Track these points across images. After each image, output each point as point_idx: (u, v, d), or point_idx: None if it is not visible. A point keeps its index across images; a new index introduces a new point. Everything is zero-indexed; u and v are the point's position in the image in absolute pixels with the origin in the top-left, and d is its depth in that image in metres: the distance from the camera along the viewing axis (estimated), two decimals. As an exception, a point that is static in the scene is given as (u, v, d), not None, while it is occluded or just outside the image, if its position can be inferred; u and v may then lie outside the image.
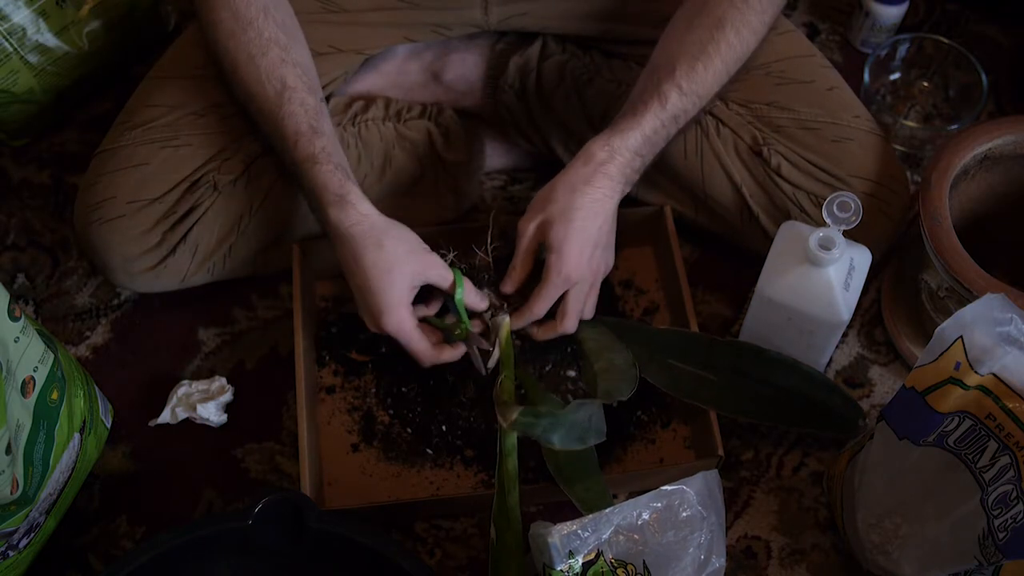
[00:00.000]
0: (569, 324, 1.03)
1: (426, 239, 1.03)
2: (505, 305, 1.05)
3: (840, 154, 1.09)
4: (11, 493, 0.87)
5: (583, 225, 0.99)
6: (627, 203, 1.07)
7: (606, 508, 0.95)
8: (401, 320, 0.99)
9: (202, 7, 1.01)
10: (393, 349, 1.13)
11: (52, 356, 0.95)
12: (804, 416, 1.06)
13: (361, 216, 0.97)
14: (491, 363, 1.03)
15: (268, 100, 0.99)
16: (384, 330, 0.99)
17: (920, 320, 1.13)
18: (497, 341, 1.04)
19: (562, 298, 1.02)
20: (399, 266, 0.98)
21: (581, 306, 1.04)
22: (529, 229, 1.01)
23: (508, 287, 1.04)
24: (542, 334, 1.04)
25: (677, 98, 1.00)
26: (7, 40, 1.20)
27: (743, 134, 1.10)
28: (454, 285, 1.02)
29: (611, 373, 1.03)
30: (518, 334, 1.06)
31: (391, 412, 1.10)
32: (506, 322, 1.04)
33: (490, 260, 1.08)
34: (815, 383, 1.05)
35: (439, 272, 1.01)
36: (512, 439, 0.98)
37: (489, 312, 1.05)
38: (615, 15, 1.16)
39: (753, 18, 1.01)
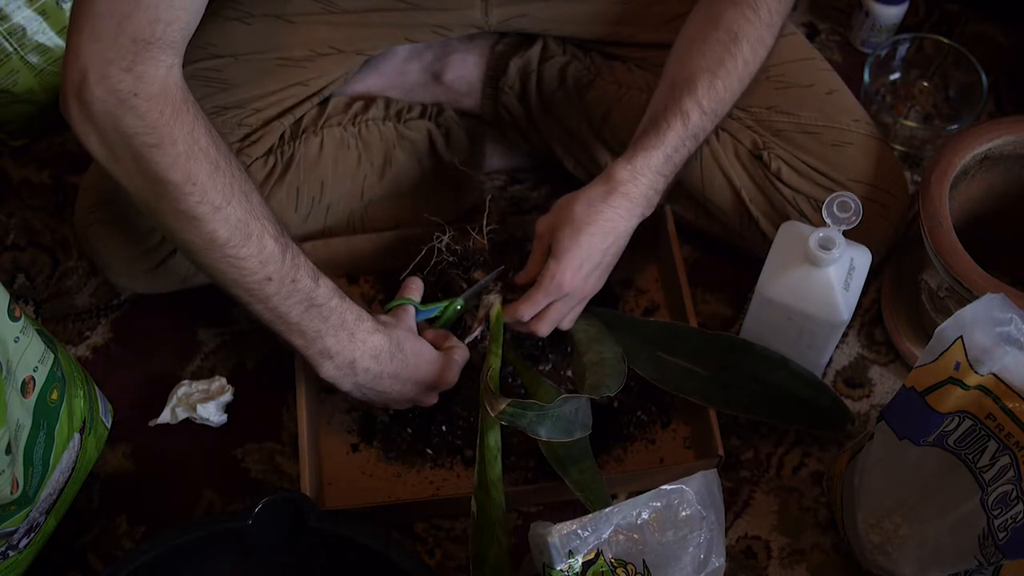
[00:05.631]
0: (543, 328, 1.04)
1: (426, 230, 1.09)
2: (499, 285, 1.06)
3: (839, 158, 1.09)
4: (11, 493, 0.87)
5: (589, 241, 0.99)
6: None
7: (600, 490, 0.96)
8: (455, 356, 1.03)
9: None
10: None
11: (52, 356, 0.95)
12: (792, 413, 1.06)
13: (385, 321, 0.99)
14: (468, 339, 1.05)
15: (270, 238, 0.92)
16: (453, 382, 1.03)
17: (920, 320, 1.13)
18: (486, 319, 1.05)
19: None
20: (413, 326, 1.03)
21: (561, 317, 1.04)
22: (542, 230, 1.02)
23: (520, 279, 1.05)
24: (512, 316, 1.05)
25: (698, 117, 1.00)
26: (7, 40, 1.20)
27: (743, 138, 1.10)
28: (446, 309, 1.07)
29: (600, 367, 1.03)
30: (517, 336, 1.07)
31: (391, 412, 1.10)
32: (497, 301, 1.05)
33: (485, 242, 1.08)
34: (804, 382, 1.05)
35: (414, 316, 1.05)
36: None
37: (471, 290, 1.07)
38: (616, 18, 1.16)
39: (765, 32, 1.01)
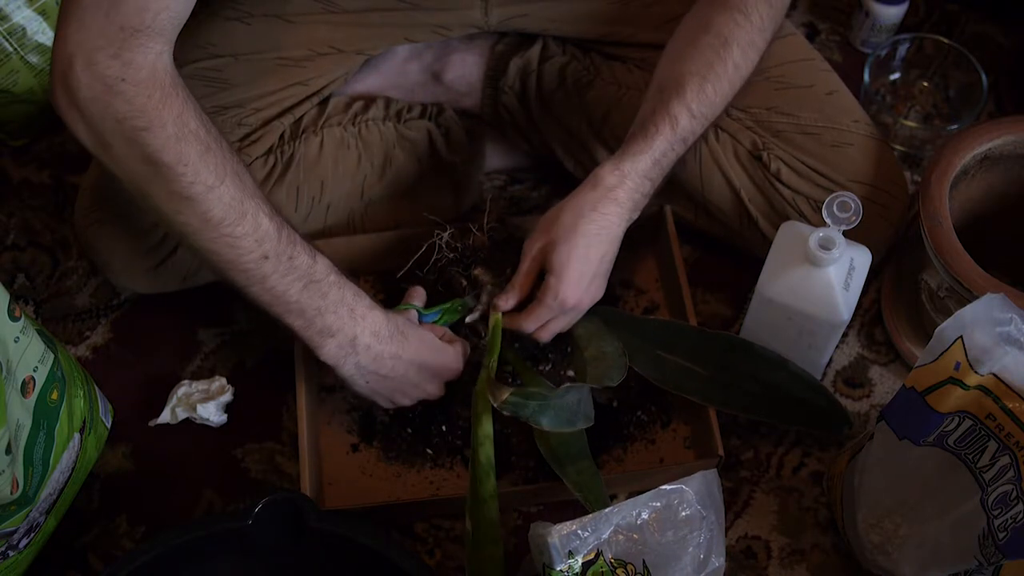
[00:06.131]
0: (545, 337, 1.04)
1: (426, 230, 1.09)
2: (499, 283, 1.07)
3: (839, 159, 1.09)
4: (11, 493, 0.87)
5: (586, 252, 0.99)
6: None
7: (599, 490, 0.96)
8: (447, 340, 1.04)
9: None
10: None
11: (52, 356, 0.95)
12: (791, 413, 1.06)
13: (384, 310, 0.98)
14: (470, 318, 1.07)
15: (265, 216, 0.91)
16: (458, 371, 1.03)
17: (920, 320, 1.13)
18: (489, 320, 1.05)
19: None
20: (415, 322, 1.03)
21: (564, 327, 1.05)
22: (533, 250, 1.01)
23: (505, 303, 1.03)
24: (514, 328, 1.05)
25: (687, 121, 0.99)
26: (7, 40, 1.20)
27: (742, 139, 1.10)
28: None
29: (601, 360, 1.03)
30: (516, 335, 1.07)
31: (391, 412, 1.10)
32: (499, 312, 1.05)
33: (486, 239, 1.08)
34: (802, 383, 1.05)
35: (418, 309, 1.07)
36: (486, 428, 0.98)
37: (477, 294, 1.07)
38: (615, 18, 1.16)
39: (757, 37, 1.01)
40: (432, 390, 1.03)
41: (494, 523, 0.94)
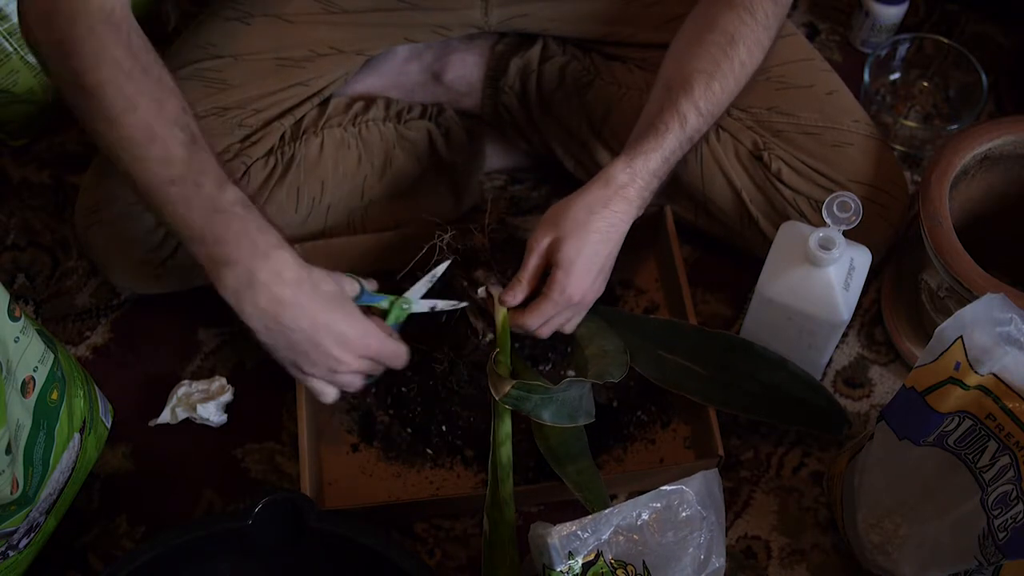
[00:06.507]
0: (546, 333, 1.03)
1: (426, 230, 1.08)
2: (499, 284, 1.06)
3: (840, 159, 1.09)
4: (11, 493, 0.87)
5: (595, 248, 0.99)
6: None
7: (599, 490, 0.96)
8: (383, 331, 0.97)
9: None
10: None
11: (52, 356, 0.95)
12: (791, 413, 1.06)
13: (297, 256, 0.93)
14: (486, 340, 1.06)
15: (177, 143, 0.91)
16: (369, 352, 0.95)
17: (920, 320, 1.13)
18: (494, 321, 1.04)
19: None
20: (343, 288, 0.96)
21: (566, 322, 1.04)
22: (540, 246, 1.00)
23: (513, 299, 1.02)
24: (519, 326, 1.03)
25: (695, 119, 0.99)
26: (7, 40, 1.20)
27: (743, 139, 1.10)
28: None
29: (602, 358, 1.03)
30: (514, 334, 1.07)
31: (391, 412, 1.10)
32: (503, 309, 1.04)
33: (486, 241, 1.08)
34: (802, 383, 1.06)
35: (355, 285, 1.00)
36: (506, 428, 0.98)
37: (482, 292, 1.06)
38: (616, 17, 1.16)
39: (762, 34, 1.01)
40: (343, 359, 0.94)
41: (511, 524, 0.95)
